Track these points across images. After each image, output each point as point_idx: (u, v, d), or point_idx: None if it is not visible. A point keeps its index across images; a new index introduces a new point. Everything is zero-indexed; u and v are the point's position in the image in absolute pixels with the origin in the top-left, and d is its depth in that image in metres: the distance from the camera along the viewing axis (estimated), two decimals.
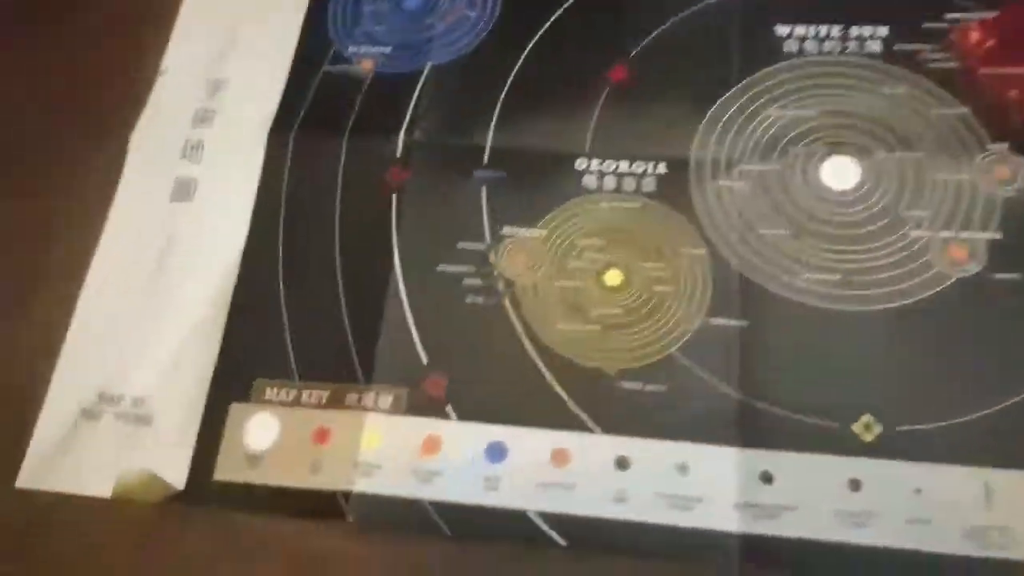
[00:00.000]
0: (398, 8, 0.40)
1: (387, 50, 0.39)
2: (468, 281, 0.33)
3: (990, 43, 0.36)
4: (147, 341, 0.33)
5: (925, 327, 0.31)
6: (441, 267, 0.34)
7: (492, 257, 0.34)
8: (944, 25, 0.36)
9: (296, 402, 0.32)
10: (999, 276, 0.31)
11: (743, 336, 0.32)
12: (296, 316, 0.33)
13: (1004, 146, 0.33)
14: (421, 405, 0.32)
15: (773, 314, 0.32)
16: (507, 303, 0.33)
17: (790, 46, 0.36)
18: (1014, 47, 0.36)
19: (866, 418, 0.30)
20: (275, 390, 0.32)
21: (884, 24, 0.37)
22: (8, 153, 0.38)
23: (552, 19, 0.38)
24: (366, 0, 0.40)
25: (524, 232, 0.34)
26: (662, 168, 0.35)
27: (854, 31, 0.37)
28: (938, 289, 0.32)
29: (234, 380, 0.32)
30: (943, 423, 0.30)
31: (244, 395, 0.32)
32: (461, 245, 0.34)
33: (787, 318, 0.32)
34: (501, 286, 0.33)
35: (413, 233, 0.34)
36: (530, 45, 0.38)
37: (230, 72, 0.39)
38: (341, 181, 0.36)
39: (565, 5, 0.39)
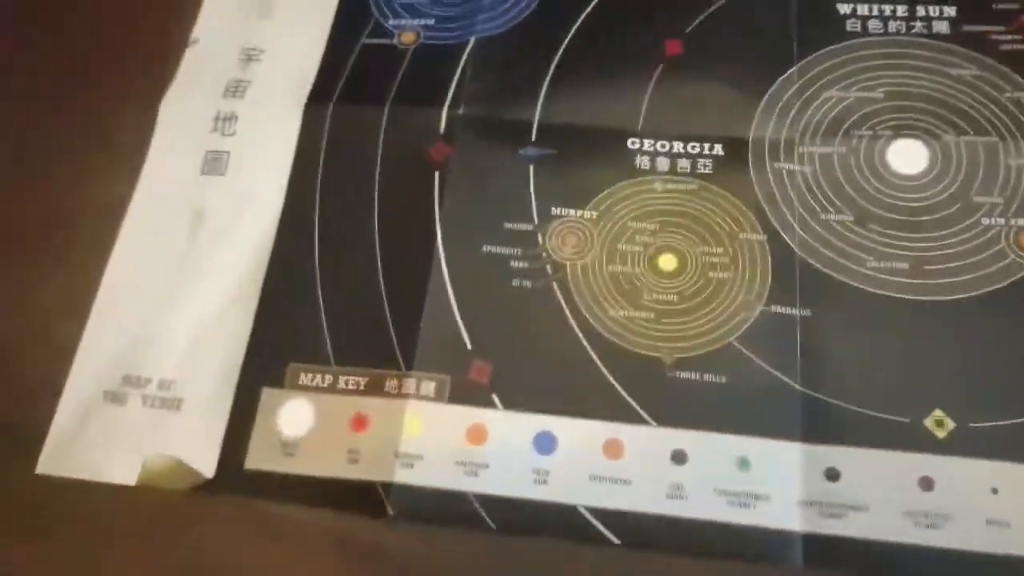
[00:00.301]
0: None
1: (430, 22, 0.37)
2: (515, 263, 0.32)
3: None
4: (175, 322, 0.32)
5: (998, 319, 0.30)
6: (487, 248, 0.32)
7: (540, 239, 0.32)
8: (1016, 6, 0.35)
9: (332, 388, 0.30)
10: None
11: (805, 326, 0.30)
12: (332, 298, 0.32)
13: None
14: (465, 393, 0.30)
15: (837, 303, 0.30)
16: (556, 287, 0.31)
17: (853, 25, 0.35)
18: None
19: (937, 413, 0.29)
20: (310, 375, 0.31)
21: (952, 4, 0.35)
22: (33, 122, 0.36)
23: None
24: None
25: (574, 213, 0.32)
26: (719, 149, 0.33)
27: (920, 10, 0.35)
28: (1012, 279, 0.30)
29: (267, 364, 0.31)
30: (1019, 419, 0.28)
31: (277, 380, 0.31)
32: (508, 225, 0.32)
33: (852, 307, 0.30)
34: (550, 269, 0.31)
35: (457, 212, 0.33)
36: (581, 18, 0.36)
37: (264, 42, 0.37)
38: (381, 157, 0.34)
39: None
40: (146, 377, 0.31)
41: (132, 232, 0.34)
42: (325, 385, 0.31)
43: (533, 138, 0.34)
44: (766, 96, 0.34)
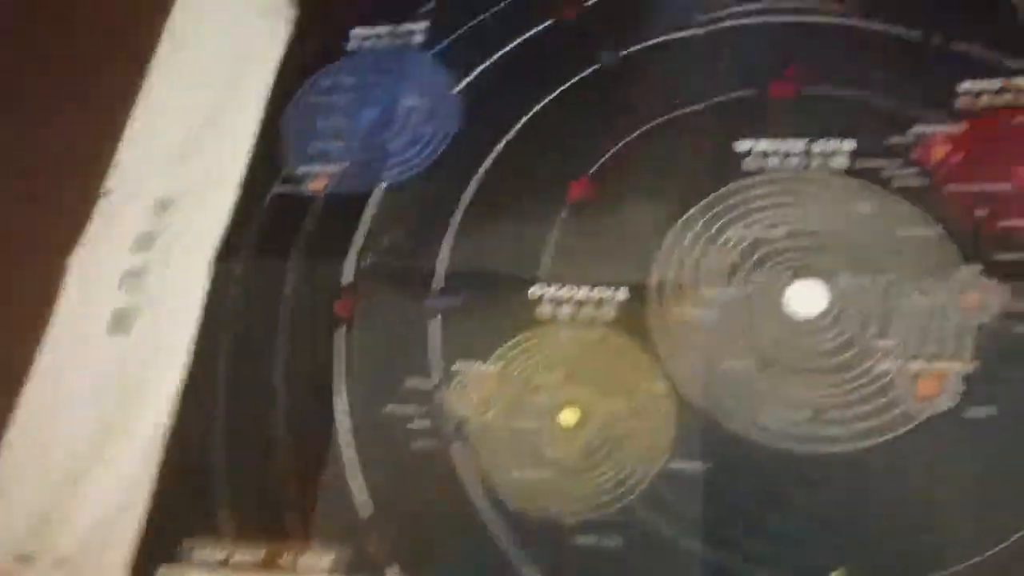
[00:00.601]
0: (352, 124, 0.38)
1: (340, 168, 0.37)
2: (415, 424, 0.31)
3: (957, 158, 0.35)
4: (71, 496, 0.31)
5: (898, 471, 0.29)
6: (388, 408, 0.32)
7: (441, 396, 0.32)
8: (910, 139, 0.35)
9: (227, 563, 0.30)
10: (974, 411, 0.30)
11: (706, 482, 0.30)
12: (232, 467, 0.31)
13: (977, 268, 0.32)
14: (363, 566, 0.29)
15: (737, 457, 0.30)
16: (456, 449, 0.31)
17: (752, 163, 0.35)
18: (982, 162, 0.34)
19: (839, 572, 0.29)
20: (206, 550, 0.30)
21: (850, 138, 0.35)
22: None
23: (510, 135, 0.37)
24: (320, 116, 0.39)
25: (476, 367, 0.32)
26: (622, 294, 0.33)
27: (818, 146, 0.35)
28: (909, 427, 0.30)
29: (163, 539, 0.30)
30: None
31: (173, 556, 0.30)
32: (409, 383, 0.32)
33: (751, 461, 0.30)
34: (451, 429, 0.31)
35: (359, 370, 0.32)
36: (487, 162, 0.37)
37: (177, 194, 0.37)
38: (287, 313, 0.34)
39: (523, 120, 0.37)
40: (39, 554, 0.31)
41: (33, 400, 0.33)
42: (221, 559, 0.30)
43: (437, 288, 0.34)
44: (668, 238, 0.34)
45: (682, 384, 0.31)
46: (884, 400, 0.30)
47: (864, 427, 0.30)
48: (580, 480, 0.30)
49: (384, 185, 0.36)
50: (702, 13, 0.39)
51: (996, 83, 0.35)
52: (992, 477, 0.29)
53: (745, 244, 0.34)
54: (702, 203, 0.35)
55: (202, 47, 0.41)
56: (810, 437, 0.30)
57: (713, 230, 0.34)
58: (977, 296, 0.31)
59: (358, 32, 0.41)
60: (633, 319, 0.33)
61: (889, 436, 0.30)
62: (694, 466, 0.30)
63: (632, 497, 0.30)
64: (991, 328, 0.31)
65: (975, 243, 0.32)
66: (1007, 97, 0.35)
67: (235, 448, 0.32)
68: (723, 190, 0.35)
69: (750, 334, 0.32)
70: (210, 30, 0.41)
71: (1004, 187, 0.33)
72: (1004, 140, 0.35)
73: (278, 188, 0.37)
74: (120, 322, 0.35)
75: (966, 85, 0.36)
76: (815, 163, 0.35)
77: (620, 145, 0.36)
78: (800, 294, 0.32)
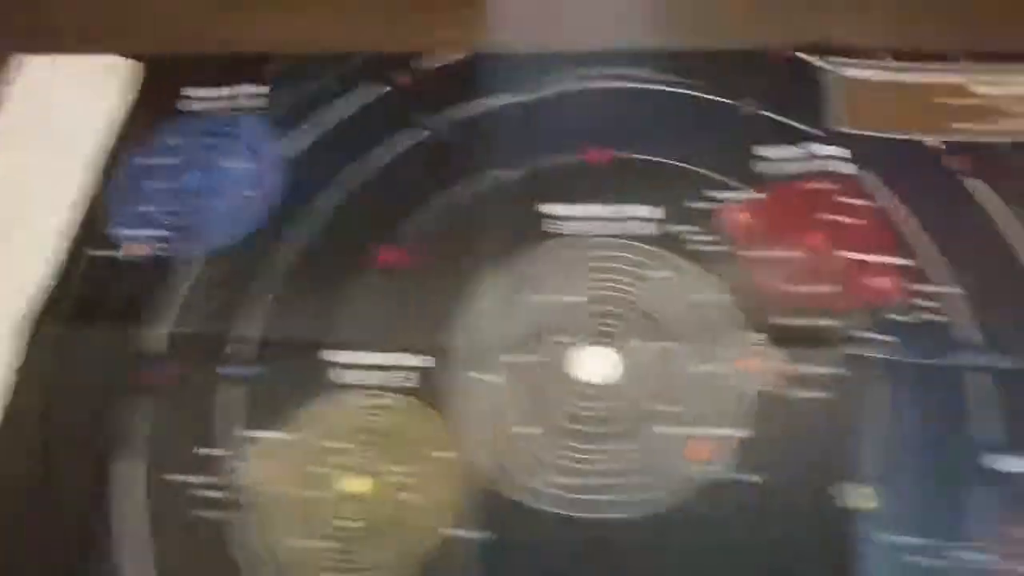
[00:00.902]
0: (178, 188, 0.39)
1: (162, 233, 0.37)
2: (205, 493, 0.31)
3: (753, 224, 0.36)
4: None
5: (671, 539, 0.30)
6: (180, 477, 0.32)
7: (233, 465, 0.32)
8: (713, 205, 0.36)
9: None
10: (744, 478, 0.30)
11: (486, 553, 0.30)
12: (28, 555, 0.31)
13: (758, 335, 0.33)
14: None
15: (517, 525, 0.30)
16: (243, 518, 0.31)
17: (559, 228, 0.36)
18: (775, 228, 0.36)
19: None
20: None
21: (656, 204, 0.36)
22: None
23: (333, 201, 0.38)
24: (147, 178, 0.39)
25: (269, 436, 0.32)
26: (418, 361, 0.33)
27: (625, 210, 0.36)
28: (683, 494, 0.30)
29: None
30: None
31: None
32: (202, 452, 0.32)
33: (533, 530, 0.30)
34: (239, 498, 0.31)
35: (156, 440, 0.32)
36: (306, 230, 0.37)
37: None
38: (91, 381, 0.34)
39: (347, 187, 0.38)
40: None
41: None
42: None
43: (240, 356, 0.34)
44: (468, 302, 0.34)
45: (471, 452, 0.32)
46: (663, 467, 0.31)
47: (643, 495, 0.31)
48: (364, 550, 0.30)
49: (203, 252, 0.37)
50: (532, 80, 0.41)
51: (794, 150, 0.37)
52: (759, 545, 0.30)
53: (545, 309, 0.34)
54: (506, 268, 0.35)
55: (37, 107, 0.41)
56: (590, 504, 0.31)
57: (514, 295, 0.35)
58: (757, 362, 0.33)
59: (194, 93, 0.41)
60: (429, 385, 0.33)
61: (667, 503, 0.30)
62: (476, 536, 0.30)
63: (413, 569, 0.30)
64: (768, 394, 0.32)
65: (759, 309, 0.34)
66: (804, 165, 0.37)
67: (34, 537, 0.31)
68: (528, 255, 0.36)
69: (540, 401, 0.33)
70: (45, 90, 0.42)
71: (793, 254, 0.35)
72: (797, 207, 0.36)
73: (97, 251, 0.37)
74: None
75: (768, 151, 0.37)
76: (620, 228, 0.36)
77: (433, 211, 0.37)
78: (591, 361, 0.33)
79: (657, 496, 0.30)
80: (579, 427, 0.32)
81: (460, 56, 0.42)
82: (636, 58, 0.40)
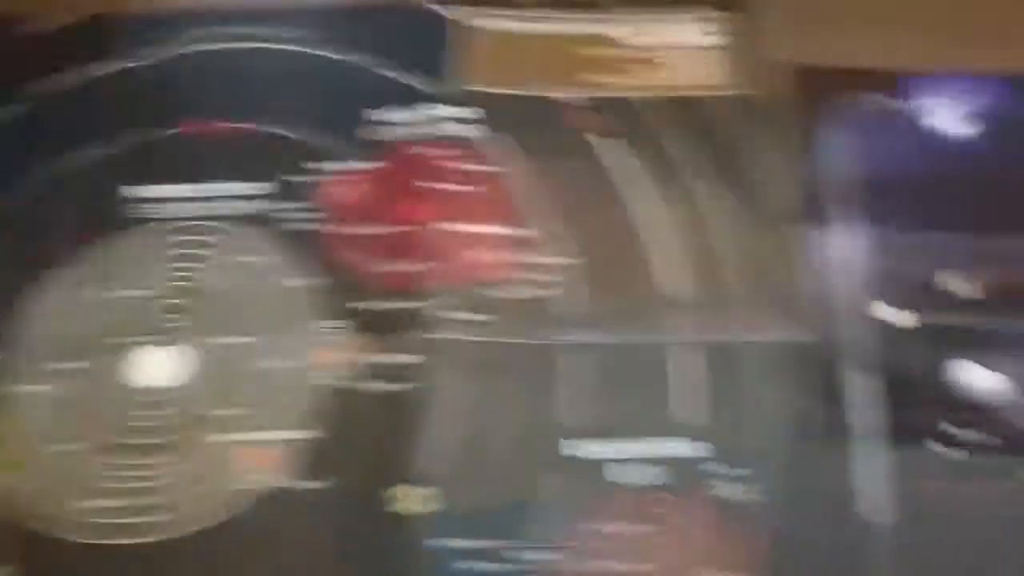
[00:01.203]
0: None
1: None
2: None
3: (356, 199, 0.32)
4: None
5: (219, 557, 0.26)
6: None
7: None
8: (318, 179, 0.33)
9: None
10: (305, 485, 0.27)
11: None
12: None
13: (341, 324, 0.30)
14: None
15: (37, 560, 0.26)
16: None
17: (140, 212, 0.32)
18: (380, 203, 0.32)
19: None
20: None
21: (256, 181, 0.32)
22: None
23: None
24: None
25: None
26: None
27: (220, 189, 0.32)
28: (237, 508, 0.27)
29: None
30: None
31: None
32: None
33: (51, 564, 0.26)
34: None
35: None
36: None
37: None
38: None
39: None
40: None
41: None
42: None
43: None
44: (24, 303, 0.30)
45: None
46: (215, 479, 0.28)
47: (193, 511, 0.27)
48: None
49: None
50: (145, 44, 0.36)
51: (411, 113, 0.34)
52: (313, 558, 0.27)
53: (110, 306, 0.30)
54: (72, 263, 0.31)
55: None
56: (128, 529, 0.27)
57: (77, 293, 0.31)
58: (331, 354, 0.29)
59: None
60: None
61: (219, 518, 0.27)
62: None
63: None
64: (341, 390, 0.29)
65: (342, 294, 0.30)
66: (421, 129, 0.33)
67: None
68: (99, 245, 0.31)
69: (89, 413, 0.29)
70: None
71: (389, 230, 0.32)
72: (406, 177, 0.33)
73: None
74: None
75: (382, 115, 0.33)
76: (210, 209, 0.32)
77: (10, 199, 0.33)
78: (148, 364, 0.29)
79: (208, 512, 0.27)
80: (127, 440, 0.28)
81: (70, 20, 0.37)
82: (254, 16, 0.36)
